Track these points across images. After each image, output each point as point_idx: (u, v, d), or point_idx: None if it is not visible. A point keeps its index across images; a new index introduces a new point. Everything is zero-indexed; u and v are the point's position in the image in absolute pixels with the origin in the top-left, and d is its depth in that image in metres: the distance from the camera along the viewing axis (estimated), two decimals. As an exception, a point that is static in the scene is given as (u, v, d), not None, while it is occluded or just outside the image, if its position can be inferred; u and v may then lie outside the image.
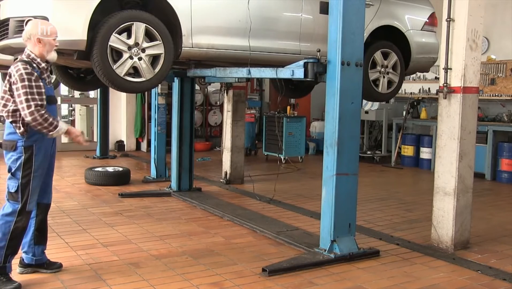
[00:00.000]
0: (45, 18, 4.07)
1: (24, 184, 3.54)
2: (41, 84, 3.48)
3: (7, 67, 8.93)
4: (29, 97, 3.39)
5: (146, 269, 4.02)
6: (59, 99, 10.84)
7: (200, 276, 3.91)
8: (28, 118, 3.40)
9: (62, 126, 3.53)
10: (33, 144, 3.55)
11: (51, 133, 3.49)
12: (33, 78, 3.43)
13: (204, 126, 12.53)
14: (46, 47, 3.57)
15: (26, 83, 3.40)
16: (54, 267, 3.91)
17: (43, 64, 3.59)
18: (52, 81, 3.86)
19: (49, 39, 3.57)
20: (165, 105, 8.31)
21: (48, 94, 3.60)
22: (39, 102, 3.42)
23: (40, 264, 3.87)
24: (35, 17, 4.11)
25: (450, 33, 4.68)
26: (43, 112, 3.42)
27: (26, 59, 3.52)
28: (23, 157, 3.53)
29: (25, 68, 3.43)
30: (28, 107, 3.38)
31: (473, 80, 4.68)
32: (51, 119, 3.44)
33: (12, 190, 3.55)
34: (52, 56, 3.63)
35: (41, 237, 3.85)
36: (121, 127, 11.68)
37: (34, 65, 3.52)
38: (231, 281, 3.81)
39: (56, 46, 3.64)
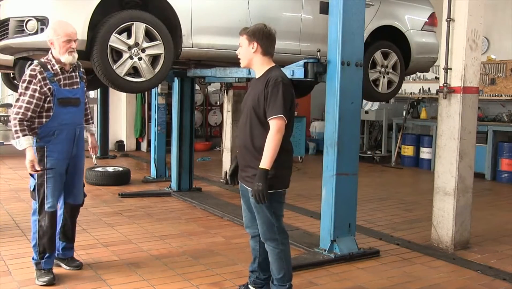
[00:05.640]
0: (45, 18, 4.09)
1: (40, 184, 3.65)
2: (37, 88, 3.50)
3: (7, 67, 8.94)
4: (19, 101, 3.51)
5: (146, 269, 4.02)
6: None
7: (200, 276, 3.91)
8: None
9: (23, 143, 3.50)
10: (45, 145, 3.62)
11: (14, 141, 3.55)
12: (34, 80, 3.52)
13: (204, 126, 12.52)
14: (58, 49, 3.57)
15: (24, 84, 3.53)
16: (73, 265, 4.00)
17: (56, 66, 3.60)
18: (82, 81, 3.82)
19: (59, 41, 3.55)
20: (165, 105, 8.30)
21: (62, 96, 3.62)
22: (21, 110, 3.49)
23: (62, 259, 3.99)
24: (35, 17, 4.13)
25: (450, 33, 4.68)
26: (17, 121, 3.48)
27: (42, 60, 3.61)
28: (36, 157, 3.60)
29: (32, 70, 3.54)
30: (14, 107, 3.53)
31: (473, 80, 4.68)
32: (17, 128, 3.48)
33: (31, 189, 3.72)
34: (66, 58, 3.58)
35: (64, 235, 3.97)
36: (121, 127, 11.68)
37: (49, 66, 3.58)
38: (231, 281, 3.81)
39: (72, 48, 3.59)
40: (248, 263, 3.58)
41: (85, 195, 4.06)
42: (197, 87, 7.98)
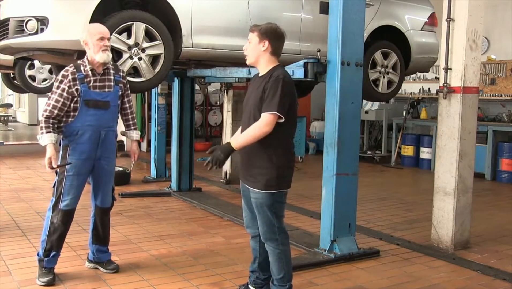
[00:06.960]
0: (45, 18, 4.09)
1: (59, 181, 3.69)
2: (66, 87, 3.56)
3: (7, 67, 8.92)
4: (49, 99, 3.59)
5: (146, 269, 4.02)
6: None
7: (200, 276, 3.91)
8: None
9: (45, 140, 3.56)
10: (68, 144, 3.66)
11: (38, 136, 3.62)
12: (65, 80, 3.59)
13: (204, 126, 12.52)
14: (93, 48, 3.60)
15: (56, 83, 3.60)
16: (109, 268, 3.96)
17: (87, 68, 3.63)
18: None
19: (93, 40, 3.58)
20: (165, 105, 8.31)
21: (89, 98, 3.63)
22: (48, 108, 3.57)
23: (99, 262, 3.99)
24: (35, 17, 4.13)
25: (450, 33, 4.68)
26: (44, 118, 3.58)
27: (78, 62, 3.68)
28: (60, 154, 3.69)
29: (65, 70, 3.62)
30: (44, 104, 3.62)
31: (473, 80, 4.68)
32: (43, 125, 3.57)
33: (52, 185, 3.74)
34: (101, 56, 3.59)
35: (96, 237, 3.98)
36: (121, 127, 11.65)
37: (82, 68, 3.64)
38: (231, 281, 3.81)
39: (106, 46, 3.61)
40: (248, 263, 3.58)
41: (114, 199, 4.06)
42: (197, 87, 7.98)
